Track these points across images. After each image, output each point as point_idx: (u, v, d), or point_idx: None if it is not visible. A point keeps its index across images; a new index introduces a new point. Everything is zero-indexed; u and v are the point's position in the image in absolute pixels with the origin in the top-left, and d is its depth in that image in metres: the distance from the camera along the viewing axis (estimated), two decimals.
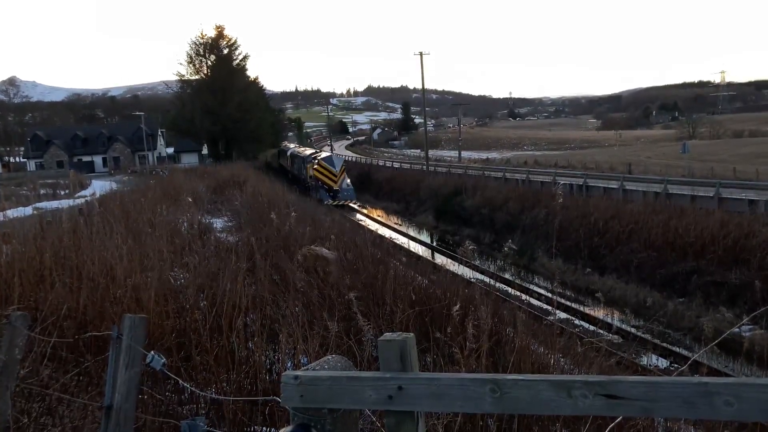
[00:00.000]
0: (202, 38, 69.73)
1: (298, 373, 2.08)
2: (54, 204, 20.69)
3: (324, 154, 45.12)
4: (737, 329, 11.68)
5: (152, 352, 2.90)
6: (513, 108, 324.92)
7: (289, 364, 5.66)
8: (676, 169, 43.17)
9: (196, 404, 5.04)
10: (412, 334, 2.04)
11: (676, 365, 12.41)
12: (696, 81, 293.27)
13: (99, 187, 34.82)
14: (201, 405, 5.04)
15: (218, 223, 16.67)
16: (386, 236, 22.75)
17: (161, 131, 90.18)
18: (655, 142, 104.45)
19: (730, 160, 50.88)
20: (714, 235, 19.39)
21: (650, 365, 11.94)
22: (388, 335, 2.04)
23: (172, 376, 3.32)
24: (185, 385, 3.65)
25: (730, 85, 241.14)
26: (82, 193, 32.36)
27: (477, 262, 22.21)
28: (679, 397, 1.72)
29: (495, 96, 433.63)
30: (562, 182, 29.38)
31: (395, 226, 35.05)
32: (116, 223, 10.78)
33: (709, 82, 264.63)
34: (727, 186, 27.98)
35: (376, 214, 40.74)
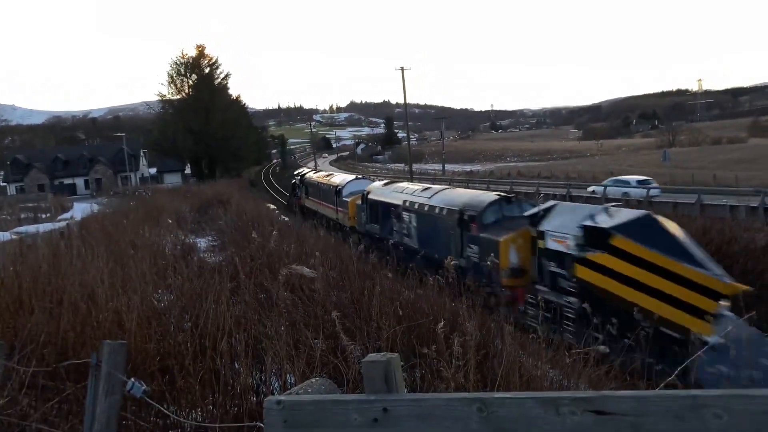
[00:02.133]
0: (183, 58, 69.68)
1: (281, 397, 2.03)
2: (35, 228, 20.42)
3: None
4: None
5: (132, 379, 2.83)
6: (495, 120, 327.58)
7: (276, 385, 5.58)
8: (658, 176, 43.66)
9: (180, 429, 4.94)
10: (396, 354, 2.00)
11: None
12: (674, 90, 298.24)
13: (81, 209, 34.43)
14: (187, 430, 4.95)
15: (202, 242, 16.52)
16: None
17: (143, 152, 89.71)
18: (636, 150, 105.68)
19: (709, 167, 51.58)
20: (697, 241, 19.57)
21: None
22: (372, 356, 2.00)
23: (153, 403, 3.24)
24: (167, 412, 3.57)
25: (708, 93, 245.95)
26: (64, 215, 31.99)
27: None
28: (669, 411, 1.70)
29: (477, 109, 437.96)
30: (545, 193, 29.53)
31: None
32: (98, 246, 10.64)
33: (686, 91, 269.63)
34: (708, 192, 28.33)
35: None
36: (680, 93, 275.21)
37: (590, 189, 35.14)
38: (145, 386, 2.85)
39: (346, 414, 1.94)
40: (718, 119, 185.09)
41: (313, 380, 2.21)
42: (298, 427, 2.00)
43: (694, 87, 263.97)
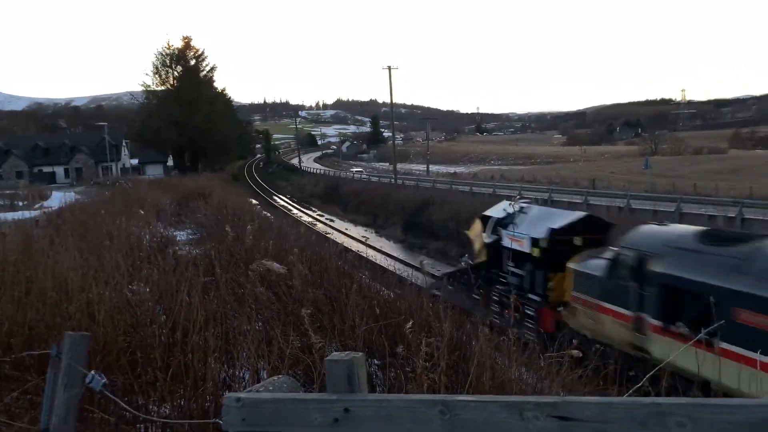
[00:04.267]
0: (169, 49, 69.13)
1: (241, 395, 1.98)
2: (10, 215, 20.08)
3: None
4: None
5: (92, 372, 2.76)
6: (480, 123, 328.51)
7: (248, 380, 5.51)
8: (639, 184, 44.09)
9: (147, 424, 4.86)
10: (361, 353, 1.96)
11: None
12: (658, 99, 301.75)
13: (59, 198, 33.93)
14: (158, 423, 4.87)
15: (181, 235, 16.34)
16: (353, 249, 22.62)
17: (125, 142, 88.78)
18: (619, 157, 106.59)
19: (690, 176, 52.17)
20: None
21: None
22: (335, 355, 1.96)
23: (113, 397, 3.17)
24: (127, 408, 3.49)
25: (691, 103, 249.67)
26: (41, 204, 31.53)
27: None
28: (633, 418, 1.68)
29: (463, 111, 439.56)
30: (527, 197, 29.66)
31: (362, 239, 33.70)
32: (73, 236, 10.47)
33: (670, 100, 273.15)
34: (688, 201, 28.66)
35: (344, 227, 39.11)
36: (664, 102, 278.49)
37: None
38: (105, 379, 2.78)
39: (306, 413, 1.90)
40: (700, 129, 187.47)
41: (275, 378, 2.16)
42: (258, 425, 1.95)
43: (677, 97, 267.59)
